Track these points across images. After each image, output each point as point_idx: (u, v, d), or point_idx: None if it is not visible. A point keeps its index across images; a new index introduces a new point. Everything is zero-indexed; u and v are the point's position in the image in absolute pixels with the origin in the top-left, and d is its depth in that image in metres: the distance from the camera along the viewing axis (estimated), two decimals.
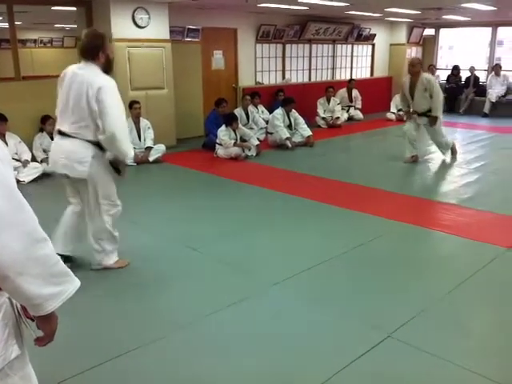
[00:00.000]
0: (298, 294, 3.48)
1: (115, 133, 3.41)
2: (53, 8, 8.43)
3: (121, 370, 2.66)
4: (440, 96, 7.13)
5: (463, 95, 12.89)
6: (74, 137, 3.50)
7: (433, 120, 7.14)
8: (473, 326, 3.13)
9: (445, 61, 15.24)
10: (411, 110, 7.37)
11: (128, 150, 3.57)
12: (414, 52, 13.59)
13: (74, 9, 8.05)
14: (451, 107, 12.82)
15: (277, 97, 10.15)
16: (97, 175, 3.59)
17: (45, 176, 6.59)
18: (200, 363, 2.72)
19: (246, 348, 2.86)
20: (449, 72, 13.53)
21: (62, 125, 3.55)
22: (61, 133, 3.55)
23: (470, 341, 2.95)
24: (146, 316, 3.22)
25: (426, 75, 7.28)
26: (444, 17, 11.76)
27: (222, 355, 2.79)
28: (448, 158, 7.58)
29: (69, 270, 1.51)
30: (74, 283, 1.53)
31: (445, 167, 7.27)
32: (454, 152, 7.69)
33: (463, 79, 13.32)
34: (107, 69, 3.53)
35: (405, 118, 7.80)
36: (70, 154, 3.51)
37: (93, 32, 3.57)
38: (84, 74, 3.43)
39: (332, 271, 3.85)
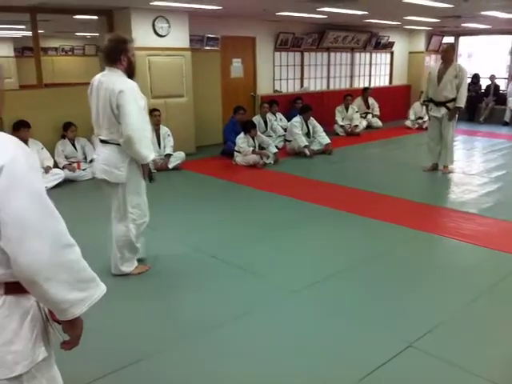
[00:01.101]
0: (317, 302, 3.48)
1: (132, 136, 3.46)
2: (75, 17, 8.55)
3: (143, 374, 2.69)
4: (466, 88, 6.97)
5: (483, 104, 12.78)
6: (110, 143, 3.61)
7: (453, 112, 6.95)
8: (495, 336, 3.08)
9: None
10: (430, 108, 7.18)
11: (146, 154, 3.60)
12: (432, 60, 13.52)
13: (96, 17, 8.18)
14: (471, 116, 12.73)
15: (295, 105, 10.17)
16: (131, 180, 3.68)
17: (66, 182, 6.69)
18: (218, 369, 2.73)
19: (264, 356, 2.86)
20: (468, 80, 13.42)
21: (100, 133, 3.67)
22: (101, 141, 3.67)
23: (492, 351, 2.91)
24: (165, 321, 3.25)
25: (459, 63, 7.18)
26: (463, 25, 11.69)
27: (241, 362, 2.80)
28: (441, 166, 7.28)
29: (95, 275, 1.53)
30: (100, 288, 1.55)
31: (465, 176, 7.20)
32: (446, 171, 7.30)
33: (483, 87, 13.22)
34: (130, 73, 3.60)
35: (422, 114, 7.60)
36: (107, 159, 3.62)
37: (115, 36, 3.61)
38: (107, 81, 3.51)
39: (351, 280, 3.83)
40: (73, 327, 1.55)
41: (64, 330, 1.57)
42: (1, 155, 1.35)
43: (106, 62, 3.59)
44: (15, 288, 1.44)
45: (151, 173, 3.86)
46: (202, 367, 2.75)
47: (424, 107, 7.63)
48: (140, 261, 4.03)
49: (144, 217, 3.85)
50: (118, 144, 3.57)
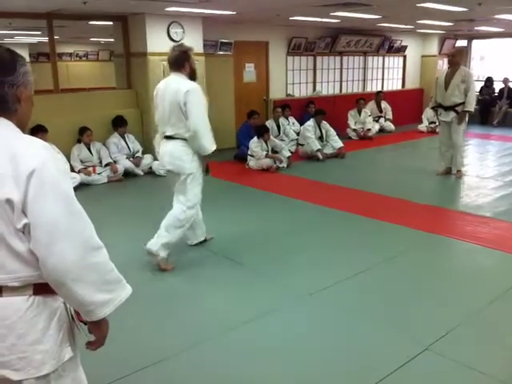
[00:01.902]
0: (333, 305, 3.49)
1: (198, 130, 3.91)
2: (90, 22, 8.65)
3: (162, 375, 2.73)
4: (474, 92, 6.92)
5: (497, 107, 12.71)
6: (176, 138, 4.04)
7: (462, 116, 6.89)
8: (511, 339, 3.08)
9: (476, 72, 15.03)
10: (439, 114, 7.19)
11: (209, 146, 4.02)
12: (445, 64, 13.46)
13: (111, 23, 8.27)
14: (484, 119, 12.67)
15: (307, 109, 10.20)
16: (193, 171, 4.07)
17: (82, 186, 6.76)
18: (236, 370, 2.76)
19: (281, 357, 2.88)
20: (481, 83, 13.37)
21: (165, 130, 4.10)
22: (166, 137, 4.10)
23: (509, 355, 2.91)
24: (182, 323, 3.28)
25: (465, 68, 7.09)
26: (476, 28, 11.65)
27: (258, 363, 2.82)
28: (455, 170, 7.21)
29: (122, 277, 1.57)
30: (125, 290, 1.58)
31: (479, 180, 7.17)
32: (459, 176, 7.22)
33: (496, 91, 13.15)
34: (192, 77, 4.08)
35: (435, 119, 7.47)
36: (173, 152, 4.06)
37: (179, 47, 4.10)
38: (174, 83, 3.98)
39: (367, 283, 3.84)
40: (99, 328, 1.59)
41: (90, 330, 1.61)
42: (32, 159, 1.39)
43: (171, 69, 4.07)
44: (43, 289, 1.48)
45: (208, 166, 4.20)
46: (220, 368, 2.78)
47: (434, 112, 7.60)
48: (204, 241, 4.63)
49: (197, 205, 4.23)
50: (183, 139, 4.00)
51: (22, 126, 1.55)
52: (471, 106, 6.85)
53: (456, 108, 6.90)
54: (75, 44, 15.31)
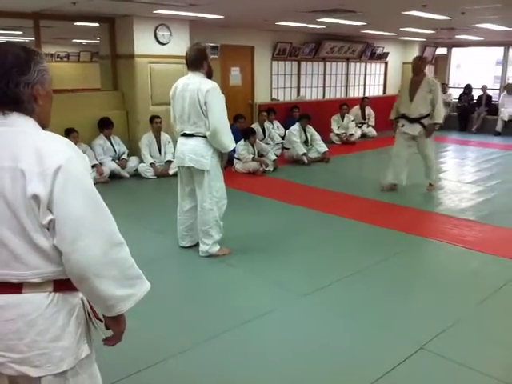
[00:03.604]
0: (328, 306, 3.54)
1: (217, 128, 4.03)
2: (76, 23, 8.59)
3: (167, 373, 2.75)
4: (441, 102, 6.49)
5: (475, 114, 12.96)
6: (196, 136, 4.16)
7: (430, 129, 6.43)
8: (503, 338, 3.15)
9: (452, 79, 15.29)
10: (400, 124, 6.63)
11: (228, 144, 4.18)
12: (426, 71, 13.69)
13: (97, 24, 8.22)
14: (463, 126, 12.92)
15: (292, 113, 10.28)
16: (214, 168, 4.22)
17: None
18: (233, 372, 2.78)
19: (277, 358, 2.91)
20: (458, 91, 13.65)
21: (184, 128, 4.22)
22: (185, 135, 4.23)
23: (502, 353, 2.99)
24: (177, 326, 3.29)
25: (431, 77, 6.74)
26: (457, 36, 11.90)
27: (255, 364, 2.85)
28: (432, 181, 6.81)
29: (141, 272, 1.59)
30: (145, 286, 1.61)
31: (461, 185, 7.31)
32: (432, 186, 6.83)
33: (475, 98, 13.42)
34: (209, 75, 4.19)
35: (393, 130, 6.93)
36: (195, 149, 4.16)
37: (196, 46, 4.18)
38: (193, 83, 4.08)
39: (360, 284, 3.90)
40: (117, 323, 1.60)
41: (107, 326, 1.62)
42: (58, 156, 1.41)
43: (190, 68, 4.17)
44: (63, 285, 1.50)
45: (225, 157, 4.34)
46: (219, 369, 2.79)
47: (394, 124, 6.84)
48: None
49: (224, 199, 4.38)
50: (203, 136, 4.12)
51: (43, 124, 1.55)
52: (440, 117, 6.40)
53: (422, 120, 6.42)
54: (56, 45, 15.12)
